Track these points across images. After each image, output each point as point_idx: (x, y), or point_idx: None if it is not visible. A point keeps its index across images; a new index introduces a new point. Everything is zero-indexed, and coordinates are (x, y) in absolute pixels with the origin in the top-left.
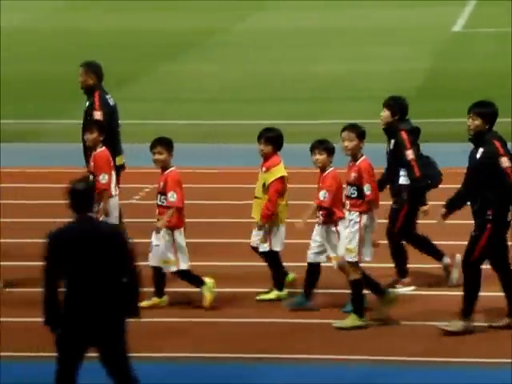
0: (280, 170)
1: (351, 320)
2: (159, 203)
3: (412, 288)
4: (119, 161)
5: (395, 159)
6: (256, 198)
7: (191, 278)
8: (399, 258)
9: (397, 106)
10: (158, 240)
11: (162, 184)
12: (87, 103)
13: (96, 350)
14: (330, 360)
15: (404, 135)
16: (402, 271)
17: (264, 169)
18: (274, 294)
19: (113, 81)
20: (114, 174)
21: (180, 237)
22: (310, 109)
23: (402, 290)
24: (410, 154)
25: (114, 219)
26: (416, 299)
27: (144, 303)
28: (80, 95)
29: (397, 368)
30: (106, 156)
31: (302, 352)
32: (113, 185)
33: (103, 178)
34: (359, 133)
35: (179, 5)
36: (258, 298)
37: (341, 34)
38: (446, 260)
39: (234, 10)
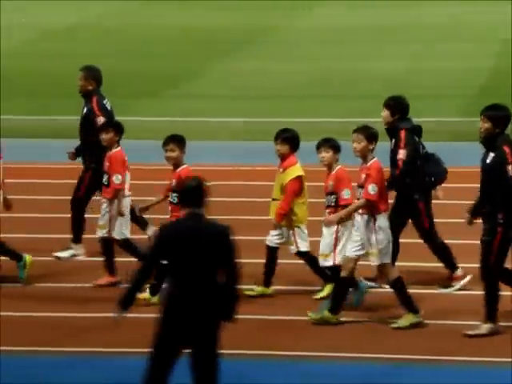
0: (297, 170)
1: (406, 319)
2: (171, 200)
3: (469, 278)
4: None
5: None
6: (274, 199)
7: None
8: (443, 254)
9: (396, 105)
10: None
11: (174, 181)
12: (85, 108)
13: (188, 351)
14: (341, 358)
15: (402, 134)
16: (451, 266)
17: (281, 169)
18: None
19: (172, 78)
20: (128, 174)
21: None
22: (370, 106)
23: (461, 283)
24: (401, 152)
25: (125, 220)
26: (426, 298)
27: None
28: (142, 92)
29: (407, 366)
30: (121, 156)
31: (317, 350)
32: (126, 185)
33: (117, 179)
34: (368, 134)
35: (241, 2)
36: (314, 297)
37: (404, 30)
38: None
39: (293, 7)
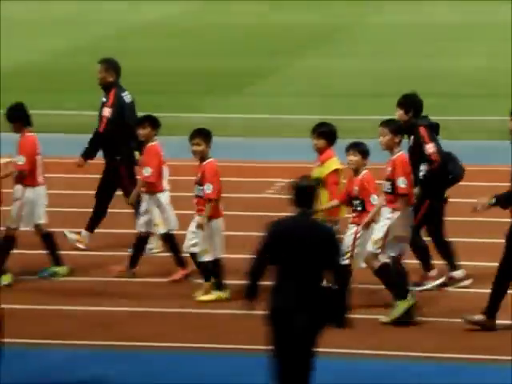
0: (334, 163)
1: (399, 308)
2: (197, 194)
3: (469, 281)
4: (136, 156)
5: (415, 155)
6: None
7: (218, 271)
8: (445, 252)
9: (409, 103)
10: (196, 229)
11: (199, 175)
12: (103, 99)
13: (285, 350)
14: (346, 354)
15: (423, 131)
16: (451, 266)
17: (319, 163)
18: None
19: (251, 75)
20: (165, 168)
21: (216, 227)
22: (447, 103)
23: (464, 283)
24: (430, 147)
25: (169, 213)
26: (438, 296)
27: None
28: (216, 90)
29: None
30: (156, 150)
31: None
32: (165, 180)
33: (146, 171)
34: (393, 128)
35: (319, 2)
36: None
37: (481, 29)
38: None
39: (365, 5)
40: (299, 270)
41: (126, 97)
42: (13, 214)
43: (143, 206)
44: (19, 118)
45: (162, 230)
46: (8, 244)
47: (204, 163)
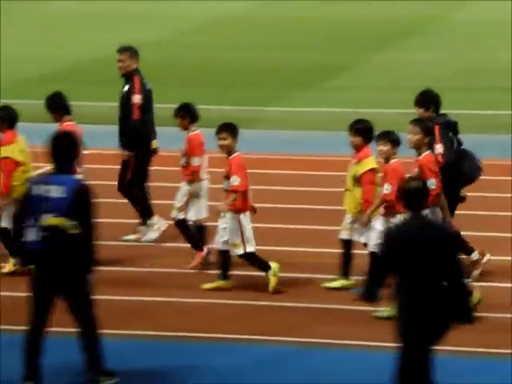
0: (370, 162)
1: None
2: (225, 188)
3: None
4: (153, 145)
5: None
6: (347, 190)
7: (257, 261)
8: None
9: (427, 100)
10: (225, 223)
11: (227, 169)
12: (126, 87)
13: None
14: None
15: (436, 130)
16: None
17: (355, 160)
18: (339, 283)
19: (331, 69)
20: (205, 157)
21: (245, 220)
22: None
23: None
24: (438, 147)
25: (202, 203)
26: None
27: (208, 285)
28: (295, 83)
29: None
30: (199, 139)
31: (362, 339)
32: (204, 169)
33: (194, 161)
34: (424, 128)
35: None
36: (324, 285)
37: None
38: (475, 256)
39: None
40: (422, 273)
41: (147, 84)
42: None
43: (181, 192)
44: (58, 107)
45: (174, 214)
46: None
47: (231, 157)
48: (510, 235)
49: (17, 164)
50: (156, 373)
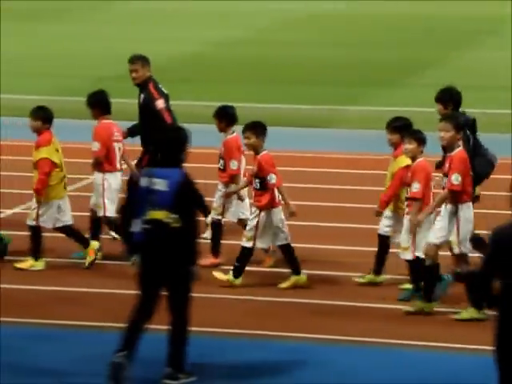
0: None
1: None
2: (254, 187)
3: None
4: None
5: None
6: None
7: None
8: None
9: (447, 97)
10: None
11: (255, 168)
12: (142, 96)
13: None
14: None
15: None
16: None
17: (393, 157)
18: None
19: (416, 66)
20: (243, 159)
21: (274, 216)
22: None
23: None
24: None
25: (244, 203)
26: None
27: (283, 284)
28: (380, 83)
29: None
30: (236, 142)
31: (395, 337)
32: (241, 170)
33: (233, 164)
34: (456, 124)
35: None
36: (356, 280)
37: None
38: None
39: None
40: None
41: (163, 88)
42: (96, 199)
43: (218, 193)
44: (98, 104)
45: (213, 215)
46: (97, 225)
47: (258, 156)
48: None
49: (54, 165)
50: (196, 367)
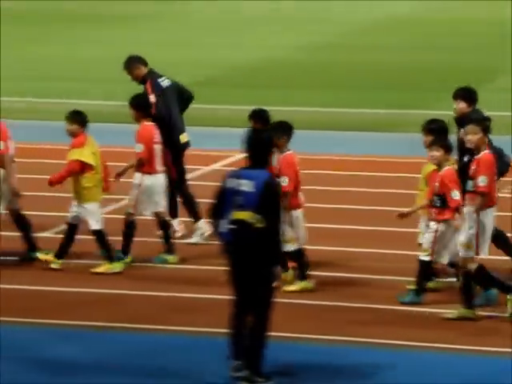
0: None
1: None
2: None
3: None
4: (183, 139)
5: (462, 146)
6: (421, 190)
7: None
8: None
9: (469, 95)
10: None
11: (278, 168)
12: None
13: None
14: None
15: None
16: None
17: (427, 161)
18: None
19: (485, 72)
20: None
21: (296, 217)
22: None
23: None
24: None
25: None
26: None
27: (290, 287)
28: (442, 86)
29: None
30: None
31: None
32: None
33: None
34: (484, 127)
35: None
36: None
37: None
38: None
39: None
40: None
41: (163, 82)
42: (131, 200)
43: None
44: (141, 107)
45: None
46: (129, 229)
47: (281, 156)
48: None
49: (85, 167)
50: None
